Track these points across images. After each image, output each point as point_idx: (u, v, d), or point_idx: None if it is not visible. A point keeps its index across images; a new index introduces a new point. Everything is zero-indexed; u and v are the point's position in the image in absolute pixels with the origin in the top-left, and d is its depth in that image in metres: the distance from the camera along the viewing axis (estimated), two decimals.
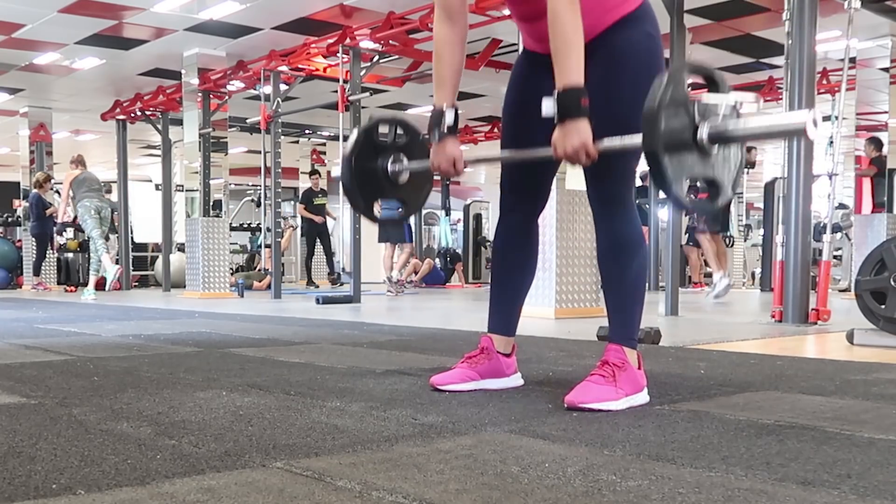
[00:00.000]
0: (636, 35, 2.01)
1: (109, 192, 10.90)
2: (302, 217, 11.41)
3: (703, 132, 1.74)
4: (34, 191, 10.86)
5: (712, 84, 1.84)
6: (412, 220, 10.99)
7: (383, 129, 2.34)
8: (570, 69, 1.85)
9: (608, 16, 2.00)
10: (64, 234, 9.81)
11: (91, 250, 8.57)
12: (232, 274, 9.90)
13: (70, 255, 11.92)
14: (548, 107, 1.88)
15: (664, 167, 1.69)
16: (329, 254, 11.43)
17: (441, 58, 2.15)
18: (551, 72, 1.91)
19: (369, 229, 9.29)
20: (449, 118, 2.13)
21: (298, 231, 12.61)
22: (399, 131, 2.35)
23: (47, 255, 11.31)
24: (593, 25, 1.97)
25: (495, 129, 11.94)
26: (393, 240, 9.59)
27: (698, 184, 1.88)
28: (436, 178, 2.39)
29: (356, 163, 2.28)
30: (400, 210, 2.44)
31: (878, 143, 8.59)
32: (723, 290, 7.72)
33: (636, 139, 1.78)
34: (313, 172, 11.27)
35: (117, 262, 9.86)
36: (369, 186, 2.32)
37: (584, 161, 1.88)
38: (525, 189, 2.22)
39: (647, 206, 10.10)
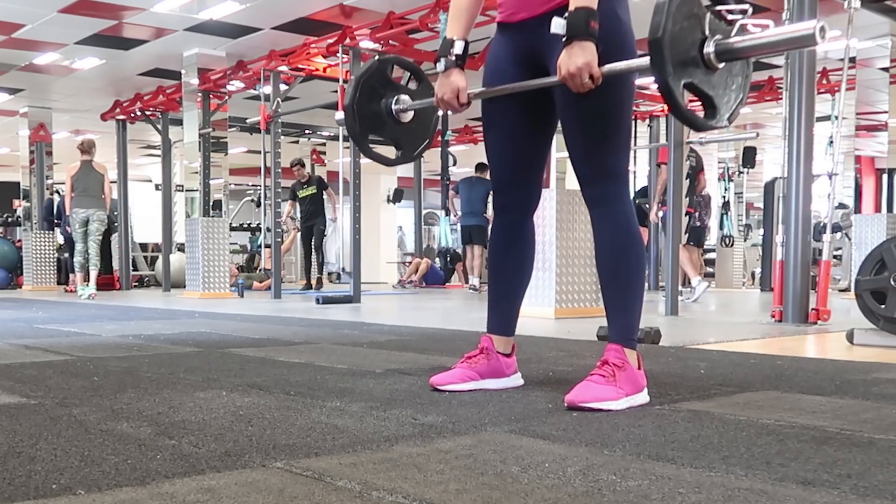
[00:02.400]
0: (606, 11, 1.95)
1: None
2: (302, 212, 10.83)
3: (711, 45, 1.75)
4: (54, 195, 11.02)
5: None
6: (412, 220, 10.90)
7: (398, 70, 2.36)
8: None
9: None
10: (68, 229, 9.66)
11: (90, 253, 8.50)
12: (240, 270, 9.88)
13: (67, 255, 11.92)
14: (557, 25, 1.87)
15: (665, 58, 1.67)
16: (319, 252, 10.87)
17: None
18: (524, 45, 1.93)
19: (369, 230, 9.29)
20: (458, 48, 2.12)
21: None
22: (412, 78, 2.36)
23: (47, 255, 11.34)
24: None
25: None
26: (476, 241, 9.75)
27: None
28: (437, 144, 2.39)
29: (363, 89, 2.28)
30: (398, 155, 2.42)
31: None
32: (701, 293, 7.86)
33: (643, 61, 1.76)
34: (296, 164, 10.65)
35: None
36: (370, 117, 2.32)
37: (587, 83, 1.86)
38: (515, 188, 2.21)
39: (647, 206, 10.10)
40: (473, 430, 1.66)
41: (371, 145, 2.40)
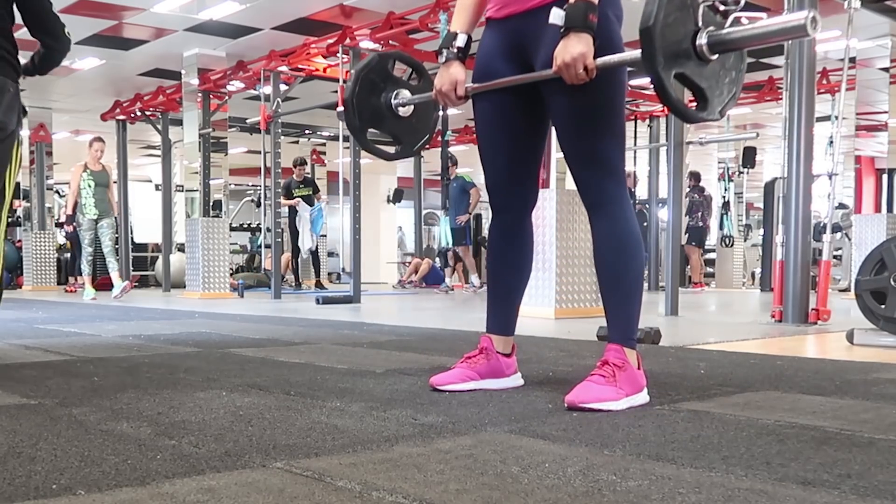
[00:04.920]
0: (606, 24, 1.96)
1: None
2: (288, 213, 10.61)
3: (703, 36, 1.74)
4: None
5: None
6: (412, 220, 10.85)
7: (399, 66, 2.37)
8: None
9: None
10: (68, 228, 9.46)
11: (105, 253, 8.40)
12: (231, 275, 9.87)
13: (68, 255, 11.91)
14: (556, 15, 1.88)
15: (656, 48, 1.67)
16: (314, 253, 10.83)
17: None
18: (512, 40, 1.94)
19: (369, 230, 9.28)
20: (460, 41, 2.13)
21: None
22: (413, 73, 2.38)
23: (47, 255, 11.34)
24: None
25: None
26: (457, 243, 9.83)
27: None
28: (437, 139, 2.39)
29: (363, 83, 2.28)
30: (397, 149, 2.43)
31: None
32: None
33: (636, 54, 1.76)
34: (300, 163, 10.61)
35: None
36: (370, 110, 2.32)
37: (581, 74, 1.86)
38: (511, 187, 2.21)
39: (647, 206, 10.10)
40: (473, 430, 1.66)
41: (371, 140, 2.41)
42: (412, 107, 2.36)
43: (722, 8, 1.78)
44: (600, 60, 1.87)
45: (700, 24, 1.75)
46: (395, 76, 2.36)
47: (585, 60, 1.85)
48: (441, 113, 2.40)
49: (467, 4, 2.18)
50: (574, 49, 1.85)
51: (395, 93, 2.34)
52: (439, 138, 7.82)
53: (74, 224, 8.39)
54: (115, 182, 9.13)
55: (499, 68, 2.12)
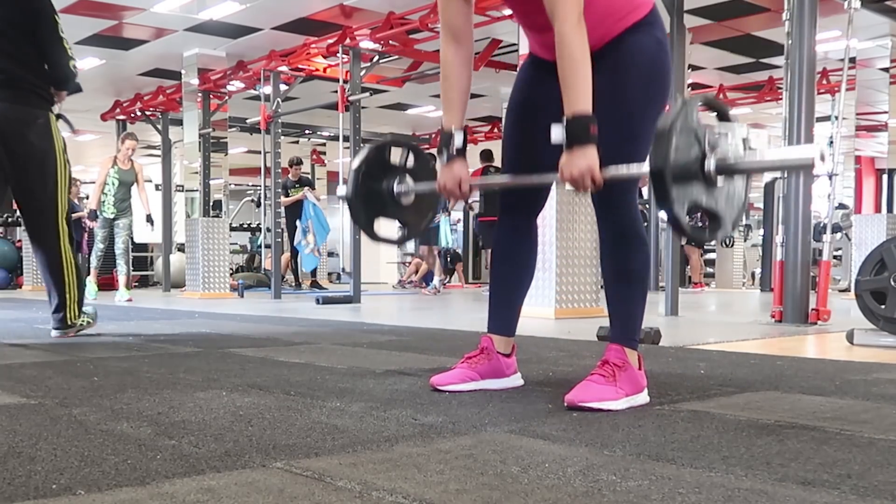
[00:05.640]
0: (647, 40, 2.02)
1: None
2: (286, 214, 10.40)
3: (711, 162, 1.74)
4: None
5: (723, 119, 1.84)
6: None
7: (394, 152, 2.37)
8: (579, 96, 1.86)
9: (620, 24, 2.01)
10: (91, 223, 9.05)
11: (116, 254, 8.28)
12: (231, 275, 9.87)
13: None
14: (556, 133, 1.89)
15: (668, 187, 1.68)
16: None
17: (448, 79, 2.15)
18: (555, 78, 1.92)
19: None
20: (458, 140, 2.14)
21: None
22: (409, 155, 2.36)
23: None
24: (604, 35, 1.98)
25: (495, 129, 11.92)
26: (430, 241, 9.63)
27: (699, 215, 1.88)
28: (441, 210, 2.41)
29: (363, 178, 2.29)
30: (401, 233, 2.44)
31: None
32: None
33: (644, 167, 1.78)
34: (296, 162, 10.48)
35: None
36: (373, 203, 2.33)
37: (589, 187, 1.88)
38: (525, 191, 2.22)
39: (647, 206, 10.10)
40: (473, 430, 1.66)
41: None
42: (414, 193, 2.36)
43: (724, 131, 1.77)
44: (609, 174, 1.88)
45: (707, 149, 1.74)
46: (392, 164, 2.35)
47: (592, 174, 1.86)
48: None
49: (454, 101, 2.16)
50: (581, 164, 1.85)
51: (397, 179, 2.32)
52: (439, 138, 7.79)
53: (95, 221, 8.03)
54: (147, 181, 8.79)
55: (542, 98, 2.10)
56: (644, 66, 2.00)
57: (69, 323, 3.71)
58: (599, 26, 1.94)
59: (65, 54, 3.62)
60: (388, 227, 2.39)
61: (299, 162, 10.64)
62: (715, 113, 1.85)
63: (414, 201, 2.35)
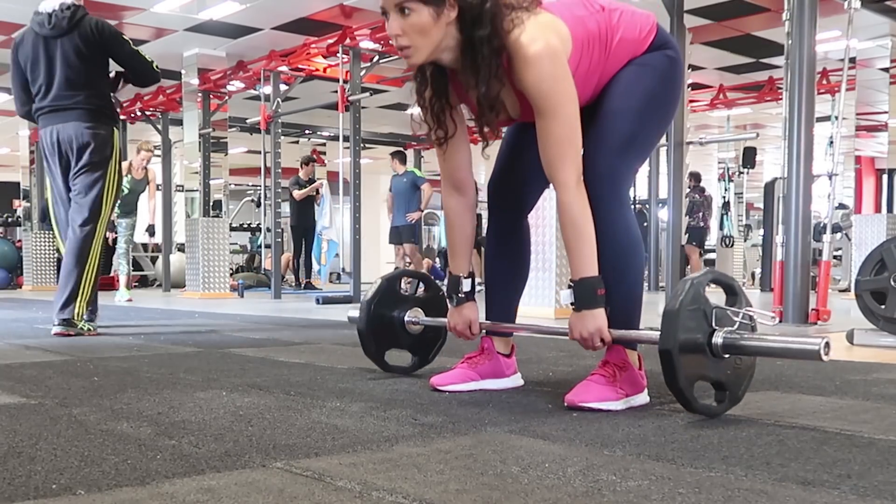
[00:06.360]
0: (658, 56, 2.04)
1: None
2: (291, 212, 10.46)
3: (719, 340, 1.76)
4: None
5: (731, 294, 1.86)
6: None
7: (406, 283, 2.49)
8: (584, 261, 1.91)
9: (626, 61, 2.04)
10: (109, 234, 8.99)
11: (117, 254, 8.27)
12: (231, 275, 9.86)
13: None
14: (565, 296, 1.96)
15: (677, 367, 1.70)
16: (309, 254, 10.60)
17: (454, 227, 2.19)
18: None
19: (369, 230, 9.28)
20: (465, 286, 2.19)
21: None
22: (419, 286, 2.49)
23: (47, 255, 11.34)
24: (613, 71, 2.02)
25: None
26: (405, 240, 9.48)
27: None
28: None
29: (374, 309, 2.40)
30: (413, 360, 2.52)
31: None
32: None
33: (653, 335, 1.80)
34: (308, 161, 10.42)
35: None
36: (384, 334, 2.43)
37: (598, 345, 1.92)
38: (514, 190, 2.22)
39: (647, 206, 10.10)
40: (473, 430, 1.66)
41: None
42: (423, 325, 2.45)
43: (730, 311, 1.80)
44: (616, 334, 1.93)
45: (714, 325, 1.77)
46: (402, 294, 2.46)
47: (602, 334, 1.90)
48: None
49: (460, 245, 2.20)
50: (590, 326, 1.90)
51: (407, 311, 2.43)
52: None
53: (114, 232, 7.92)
54: (157, 188, 8.78)
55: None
56: (652, 73, 2.02)
57: (73, 322, 3.82)
58: (609, 72, 2.01)
59: (145, 61, 4.13)
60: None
61: (312, 160, 10.59)
62: (723, 288, 1.87)
63: (423, 330, 2.46)
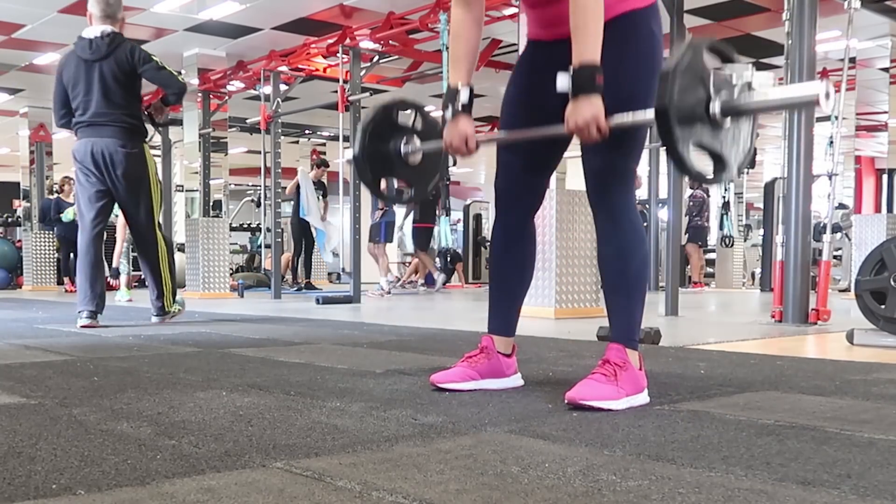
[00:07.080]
0: (644, 29, 2.02)
1: None
2: (291, 211, 10.39)
3: (717, 104, 1.73)
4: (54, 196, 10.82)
5: (728, 62, 1.82)
6: (412, 221, 10.71)
7: (402, 113, 2.36)
8: (588, 46, 1.86)
9: (622, 4, 2.00)
10: None
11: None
12: (231, 275, 9.86)
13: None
14: (562, 82, 1.88)
15: (672, 126, 1.67)
16: (309, 255, 10.61)
17: (458, 36, 2.15)
18: (555, 61, 1.92)
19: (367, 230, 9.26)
20: (463, 96, 2.13)
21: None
22: (417, 117, 2.36)
23: (47, 255, 11.37)
24: (606, 9, 1.97)
25: (495, 130, 11.88)
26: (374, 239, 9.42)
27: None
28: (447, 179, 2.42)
29: (370, 137, 2.30)
30: (409, 195, 2.45)
31: None
32: None
33: (648, 114, 1.77)
34: (321, 164, 10.39)
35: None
36: (380, 162, 2.33)
37: (594, 135, 1.87)
38: (521, 190, 2.21)
39: (647, 206, 10.10)
40: (473, 430, 1.66)
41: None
42: (421, 153, 2.37)
43: (729, 73, 1.76)
44: (614, 122, 1.88)
45: (712, 91, 1.74)
46: (399, 124, 2.36)
47: (598, 122, 1.86)
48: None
49: (461, 57, 2.14)
50: (586, 113, 1.85)
51: (403, 140, 2.34)
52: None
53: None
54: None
55: (539, 86, 2.08)
56: (640, 50, 2.00)
57: (166, 310, 4.77)
58: None
59: (172, 76, 4.48)
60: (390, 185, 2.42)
61: (322, 164, 10.54)
62: (720, 56, 1.83)
63: (420, 162, 2.35)
